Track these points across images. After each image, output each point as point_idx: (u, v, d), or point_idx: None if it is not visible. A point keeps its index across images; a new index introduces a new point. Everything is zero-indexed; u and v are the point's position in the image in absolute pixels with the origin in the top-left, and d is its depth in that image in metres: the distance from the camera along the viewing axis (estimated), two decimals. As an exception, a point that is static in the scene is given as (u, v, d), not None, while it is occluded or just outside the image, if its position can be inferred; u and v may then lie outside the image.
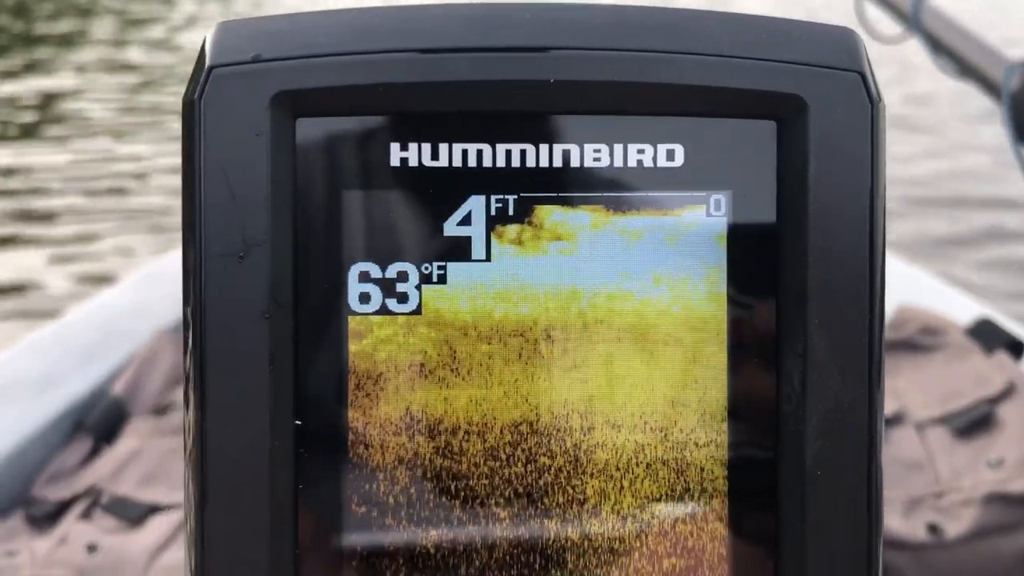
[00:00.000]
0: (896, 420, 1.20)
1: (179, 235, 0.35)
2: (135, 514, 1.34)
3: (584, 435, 0.35)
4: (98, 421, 1.58)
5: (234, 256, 0.33)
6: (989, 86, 1.33)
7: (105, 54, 8.03)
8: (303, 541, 0.34)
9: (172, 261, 2.11)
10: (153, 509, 1.37)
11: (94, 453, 1.52)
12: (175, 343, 1.74)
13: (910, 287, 1.68)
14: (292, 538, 0.34)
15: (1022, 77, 1.27)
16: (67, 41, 8.70)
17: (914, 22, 1.48)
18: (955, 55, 1.40)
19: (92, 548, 1.26)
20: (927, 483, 1.10)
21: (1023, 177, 1.17)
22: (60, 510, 1.38)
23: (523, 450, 0.35)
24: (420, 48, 0.34)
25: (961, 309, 1.53)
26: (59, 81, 6.88)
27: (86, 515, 1.35)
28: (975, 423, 1.17)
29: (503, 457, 0.35)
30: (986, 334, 1.31)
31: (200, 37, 0.35)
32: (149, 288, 1.95)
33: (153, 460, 1.45)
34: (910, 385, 1.25)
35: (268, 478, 0.33)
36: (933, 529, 1.04)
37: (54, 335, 1.82)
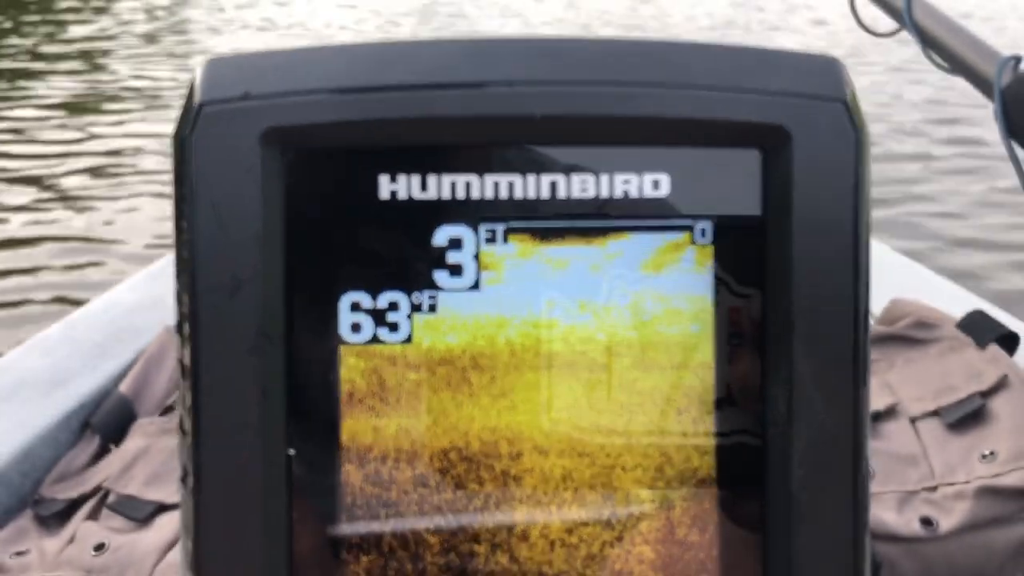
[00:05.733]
0: (890, 414, 1.21)
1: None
2: (143, 513, 1.35)
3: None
4: (105, 420, 1.58)
5: (225, 291, 0.34)
6: (980, 82, 1.33)
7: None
8: (298, 567, 0.35)
9: None
10: (161, 508, 1.37)
11: (102, 452, 1.53)
12: None
13: (903, 280, 1.68)
14: (287, 565, 0.35)
15: (1014, 73, 1.27)
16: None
17: (906, 17, 1.48)
18: (946, 50, 1.40)
19: (100, 547, 1.28)
20: (921, 477, 1.11)
21: (1016, 172, 1.17)
22: (69, 510, 1.39)
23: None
24: (407, 84, 0.34)
25: (954, 302, 1.53)
26: None
27: (94, 515, 1.36)
28: (968, 417, 1.17)
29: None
30: (979, 327, 1.31)
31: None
32: (158, 284, 1.94)
33: (160, 459, 1.46)
34: (904, 379, 1.26)
35: (262, 506, 0.34)
36: (926, 522, 1.05)
37: (62, 333, 1.83)
